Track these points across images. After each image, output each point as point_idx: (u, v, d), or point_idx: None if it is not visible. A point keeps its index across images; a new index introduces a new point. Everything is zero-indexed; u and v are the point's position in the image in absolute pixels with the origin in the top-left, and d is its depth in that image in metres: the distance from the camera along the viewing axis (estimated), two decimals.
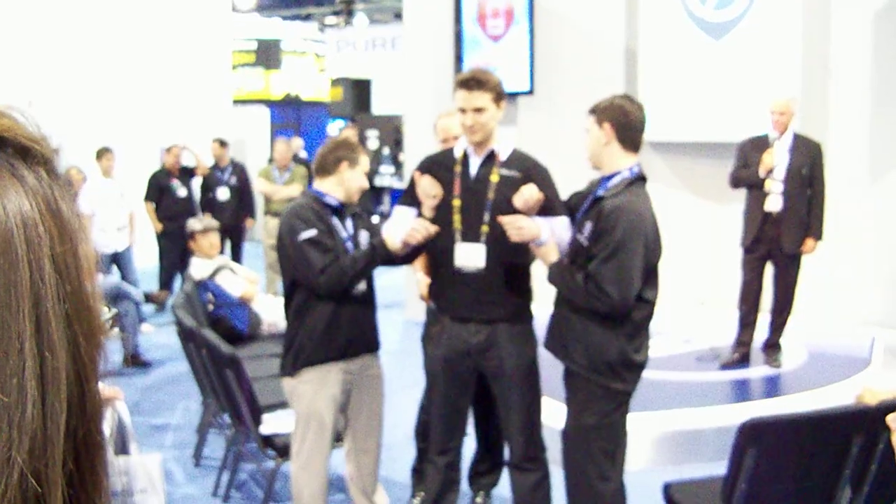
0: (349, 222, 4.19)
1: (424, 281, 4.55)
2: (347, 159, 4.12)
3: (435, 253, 4.16)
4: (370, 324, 4.24)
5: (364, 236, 4.20)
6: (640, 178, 3.81)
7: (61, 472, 0.62)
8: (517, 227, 3.77)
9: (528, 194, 3.85)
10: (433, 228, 3.97)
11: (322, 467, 4.21)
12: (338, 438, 4.62)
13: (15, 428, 0.59)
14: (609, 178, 3.81)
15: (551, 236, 3.85)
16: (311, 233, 3.97)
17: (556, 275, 3.83)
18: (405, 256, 4.18)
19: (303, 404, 4.16)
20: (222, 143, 10.80)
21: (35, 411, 0.60)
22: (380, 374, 4.36)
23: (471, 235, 4.00)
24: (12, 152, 0.64)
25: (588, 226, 3.74)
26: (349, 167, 4.12)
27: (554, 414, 4.36)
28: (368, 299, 4.21)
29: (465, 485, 5.08)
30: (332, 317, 4.05)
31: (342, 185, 4.13)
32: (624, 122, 3.78)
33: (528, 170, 4.02)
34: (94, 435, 0.66)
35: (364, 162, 4.17)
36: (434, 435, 4.33)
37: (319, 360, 4.09)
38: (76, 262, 0.65)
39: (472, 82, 3.96)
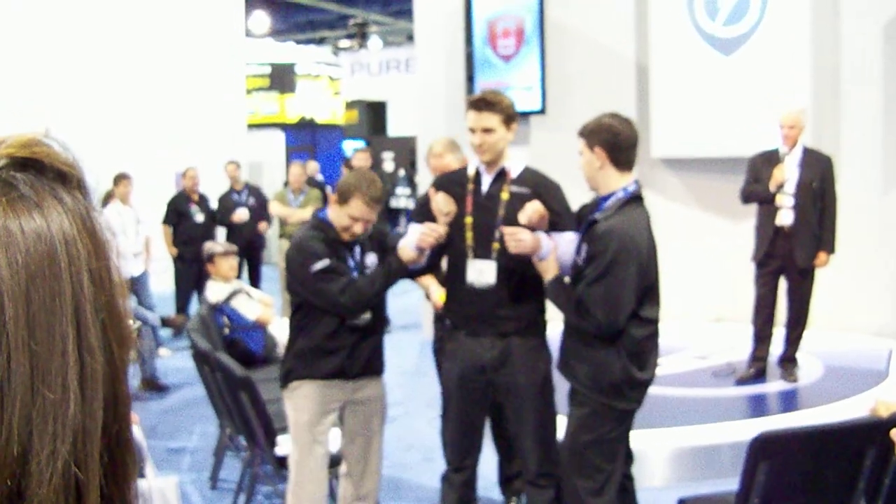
0: (356, 249, 4.17)
1: (436, 290, 4.59)
2: (338, 192, 4.04)
3: (448, 269, 4.20)
4: (372, 350, 4.21)
5: (371, 259, 4.18)
6: (635, 198, 3.82)
7: (99, 464, 0.69)
8: (517, 238, 3.81)
9: (532, 210, 3.88)
10: (443, 229, 4.00)
11: (313, 492, 4.16)
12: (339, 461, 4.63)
13: (59, 423, 0.66)
14: (605, 198, 3.82)
15: (553, 251, 3.88)
16: (323, 263, 3.97)
17: (552, 291, 3.87)
18: (423, 267, 4.20)
19: (291, 420, 4.19)
20: (237, 165, 10.90)
21: (76, 408, 0.66)
22: (378, 397, 4.32)
23: (482, 252, 4.04)
24: (52, 176, 0.72)
25: (584, 248, 3.77)
26: (336, 201, 4.05)
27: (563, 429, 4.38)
28: (372, 329, 4.18)
29: (497, 493, 5.12)
30: (327, 340, 4.07)
31: (336, 214, 4.09)
32: (614, 143, 3.78)
33: (537, 186, 4.06)
34: (125, 432, 0.73)
35: (356, 205, 3.98)
36: (449, 452, 4.33)
37: (307, 376, 4.12)
38: (109, 275, 0.72)
39: (482, 103, 4.01)
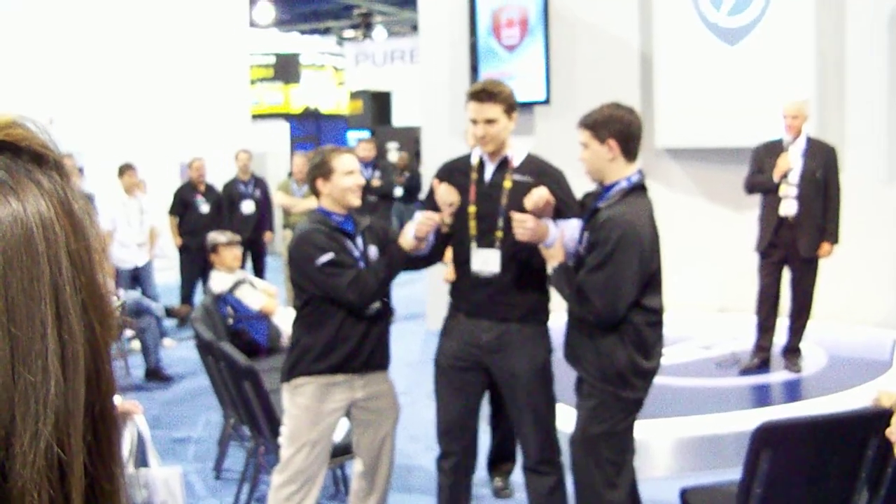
0: (359, 240, 4.11)
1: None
2: (318, 175, 4.02)
3: (453, 258, 4.20)
4: (379, 341, 4.13)
5: (373, 251, 4.12)
6: (638, 187, 3.81)
7: (82, 443, 0.69)
8: (525, 226, 3.81)
9: (537, 196, 3.87)
10: (438, 217, 3.99)
11: (307, 488, 4.08)
12: (346, 451, 4.61)
13: (41, 404, 0.66)
14: (609, 188, 3.82)
15: (560, 238, 3.88)
16: (327, 256, 3.91)
17: (555, 278, 3.87)
18: (429, 256, 4.17)
19: (290, 416, 4.09)
20: (250, 155, 10.91)
21: (58, 389, 0.67)
22: (387, 392, 4.24)
23: (486, 241, 4.04)
24: (28, 158, 0.71)
25: (586, 236, 3.77)
26: (323, 181, 4.02)
27: (568, 419, 4.37)
28: (381, 317, 4.11)
29: (484, 472, 5.18)
30: (337, 331, 3.99)
31: (332, 198, 4.04)
32: (627, 134, 3.78)
33: (540, 174, 4.05)
34: (109, 410, 0.73)
35: (340, 162, 4.01)
36: (439, 435, 4.29)
37: (316, 371, 4.02)
38: (89, 256, 0.71)
39: (483, 94, 4.00)
